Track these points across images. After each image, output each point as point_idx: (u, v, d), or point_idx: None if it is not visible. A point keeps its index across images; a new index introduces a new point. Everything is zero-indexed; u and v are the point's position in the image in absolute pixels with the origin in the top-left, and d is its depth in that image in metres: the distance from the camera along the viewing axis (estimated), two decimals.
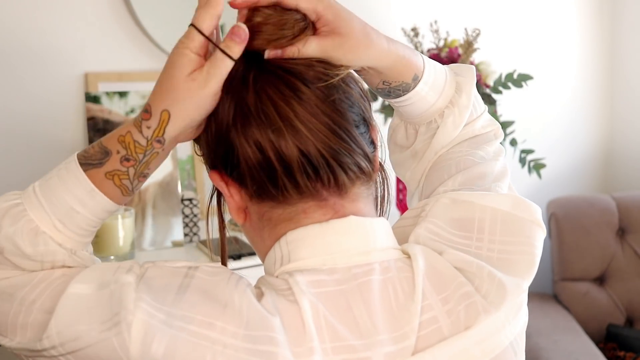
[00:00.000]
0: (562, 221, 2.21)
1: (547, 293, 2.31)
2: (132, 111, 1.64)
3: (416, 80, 0.74)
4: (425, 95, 0.75)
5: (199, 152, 0.69)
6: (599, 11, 2.51)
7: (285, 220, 0.64)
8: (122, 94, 1.62)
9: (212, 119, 0.63)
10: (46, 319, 0.57)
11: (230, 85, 0.62)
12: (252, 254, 1.39)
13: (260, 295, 0.59)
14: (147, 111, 0.61)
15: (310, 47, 0.63)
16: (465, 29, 1.75)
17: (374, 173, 0.65)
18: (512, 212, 0.68)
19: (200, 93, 0.60)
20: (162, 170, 1.62)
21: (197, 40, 0.60)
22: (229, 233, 1.54)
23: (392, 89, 0.74)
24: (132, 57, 1.67)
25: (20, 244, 0.60)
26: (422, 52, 1.79)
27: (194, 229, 1.52)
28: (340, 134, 0.61)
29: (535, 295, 2.24)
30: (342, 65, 0.65)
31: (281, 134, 0.60)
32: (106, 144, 0.62)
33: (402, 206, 1.76)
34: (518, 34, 2.34)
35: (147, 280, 0.57)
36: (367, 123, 0.66)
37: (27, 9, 1.52)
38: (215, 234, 0.74)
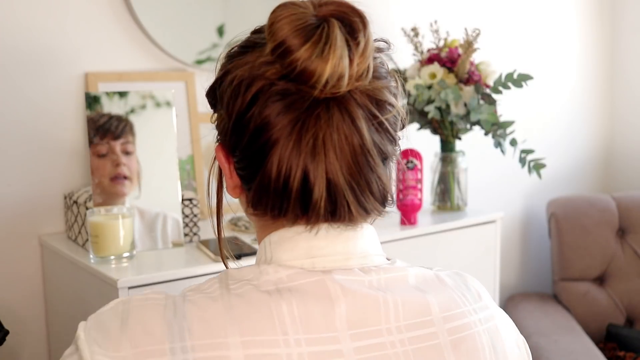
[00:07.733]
0: (562, 221, 2.21)
1: (547, 293, 2.31)
2: (132, 111, 1.64)
3: None
4: None
5: (212, 121, 0.69)
6: (599, 11, 2.51)
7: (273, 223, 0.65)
8: (122, 94, 1.62)
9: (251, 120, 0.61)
10: None
11: (299, 109, 0.59)
12: (252, 253, 1.38)
13: (213, 301, 0.59)
14: None
15: None
16: (465, 29, 1.75)
17: (381, 214, 0.65)
18: None
19: None
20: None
21: None
22: (230, 233, 1.54)
23: None
24: (132, 57, 1.67)
25: None
26: (422, 52, 1.79)
27: (194, 229, 1.52)
28: (368, 176, 0.61)
29: (535, 295, 2.24)
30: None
31: (318, 164, 0.59)
32: None
33: (402, 206, 1.76)
34: (518, 34, 2.34)
35: None
36: (392, 161, 0.66)
37: (26, 8, 1.52)
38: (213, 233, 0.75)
